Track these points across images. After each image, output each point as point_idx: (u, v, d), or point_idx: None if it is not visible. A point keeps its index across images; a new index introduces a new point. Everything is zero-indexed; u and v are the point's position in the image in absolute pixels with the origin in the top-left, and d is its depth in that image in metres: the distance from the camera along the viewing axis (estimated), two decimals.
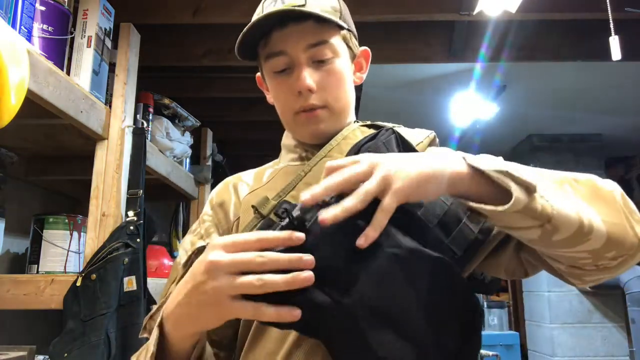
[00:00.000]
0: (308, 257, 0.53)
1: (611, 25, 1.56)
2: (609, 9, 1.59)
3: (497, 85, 3.26)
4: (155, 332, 0.61)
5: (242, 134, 3.21)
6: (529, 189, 0.55)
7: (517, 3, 1.67)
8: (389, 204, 0.54)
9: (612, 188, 0.64)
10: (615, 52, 1.54)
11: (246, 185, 0.84)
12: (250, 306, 0.53)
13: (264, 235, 0.54)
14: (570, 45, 2.20)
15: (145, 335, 0.77)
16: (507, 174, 0.56)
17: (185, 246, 0.81)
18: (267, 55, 0.78)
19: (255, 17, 0.78)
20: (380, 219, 0.54)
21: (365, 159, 0.57)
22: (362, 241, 0.53)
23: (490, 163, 0.58)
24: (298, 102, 0.77)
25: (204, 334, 0.66)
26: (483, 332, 4.17)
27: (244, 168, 0.91)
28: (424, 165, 0.57)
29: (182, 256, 0.80)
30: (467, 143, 4.14)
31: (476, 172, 0.58)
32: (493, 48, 2.12)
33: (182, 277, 0.75)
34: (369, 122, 0.83)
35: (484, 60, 2.16)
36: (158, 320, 0.62)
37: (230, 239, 0.55)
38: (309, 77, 0.75)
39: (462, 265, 0.65)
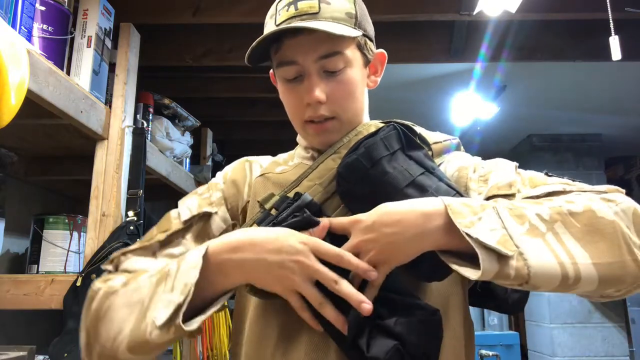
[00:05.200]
0: (368, 306, 0.60)
1: (611, 25, 1.56)
2: (609, 9, 1.59)
3: (497, 85, 3.26)
4: (199, 262, 0.63)
5: (242, 134, 3.21)
6: (502, 254, 0.55)
7: (517, 3, 1.67)
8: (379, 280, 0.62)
9: (613, 216, 0.58)
10: (615, 52, 1.54)
11: (259, 167, 0.86)
12: (318, 295, 0.62)
13: (344, 255, 0.62)
14: (570, 45, 2.19)
15: (108, 267, 0.77)
16: (476, 241, 0.55)
17: (189, 204, 0.81)
18: (278, 63, 0.77)
19: (269, 18, 0.78)
20: (373, 293, 0.62)
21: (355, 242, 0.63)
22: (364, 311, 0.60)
23: (467, 221, 0.57)
24: (307, 112, 0.77)
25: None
26: (483, 332, 4.19)
27: None
28: (407, 233, 0.60)
29: (183, 212, 0.80)
30: (467, 143, 4.13)
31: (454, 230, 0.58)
32: (493, 48, 2.12)
33: (180, 230, 0.78)
34: (389, 120, 0.81)
35: (484, 60, 2.16)
36: (203, 251, 0.64)
37: (319, 245, 0.63)
38: (318, 89, 0.74)
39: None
